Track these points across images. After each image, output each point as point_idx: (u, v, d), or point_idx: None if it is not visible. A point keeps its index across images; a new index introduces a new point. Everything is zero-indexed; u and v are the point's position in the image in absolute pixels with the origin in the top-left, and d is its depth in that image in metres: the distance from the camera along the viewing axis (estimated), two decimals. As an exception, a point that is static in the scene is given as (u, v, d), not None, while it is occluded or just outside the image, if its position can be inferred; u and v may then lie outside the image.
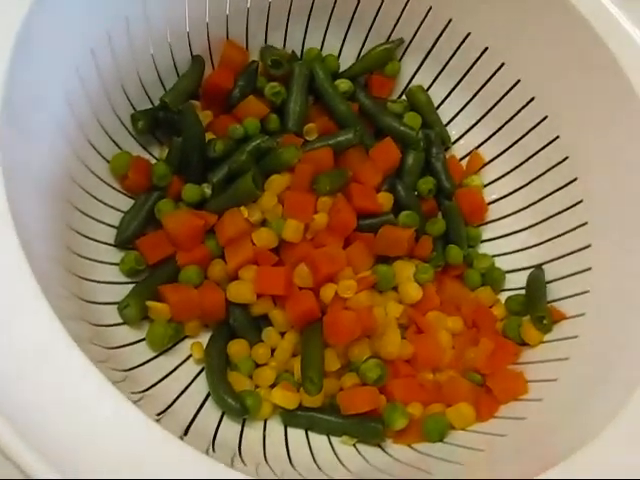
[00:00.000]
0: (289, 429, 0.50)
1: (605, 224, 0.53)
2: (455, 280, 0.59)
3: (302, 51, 0.66)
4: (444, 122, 0.66)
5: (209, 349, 0.51)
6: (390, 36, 0.65)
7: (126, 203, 0.56)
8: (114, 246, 0.54)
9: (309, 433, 0.50)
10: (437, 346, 0.54)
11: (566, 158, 0.57)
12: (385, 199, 0.58)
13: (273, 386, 0.51)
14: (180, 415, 0.46)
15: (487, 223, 0.63)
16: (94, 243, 0.51)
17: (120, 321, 0.50)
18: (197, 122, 0.57)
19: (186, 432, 0.44)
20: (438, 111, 0.66)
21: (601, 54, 0.52)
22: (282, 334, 0.53)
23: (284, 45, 0.66)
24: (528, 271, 0.58)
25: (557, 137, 0.58)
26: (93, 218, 0.52)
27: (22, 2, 0.42)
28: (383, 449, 0.49)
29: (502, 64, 0.61)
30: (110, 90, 0.54)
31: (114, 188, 0.56)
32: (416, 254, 0.58)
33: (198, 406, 0.48)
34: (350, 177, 0.57)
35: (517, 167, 0.62)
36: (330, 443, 0.49)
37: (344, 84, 0.63)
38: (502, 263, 0.61)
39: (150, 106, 0.59)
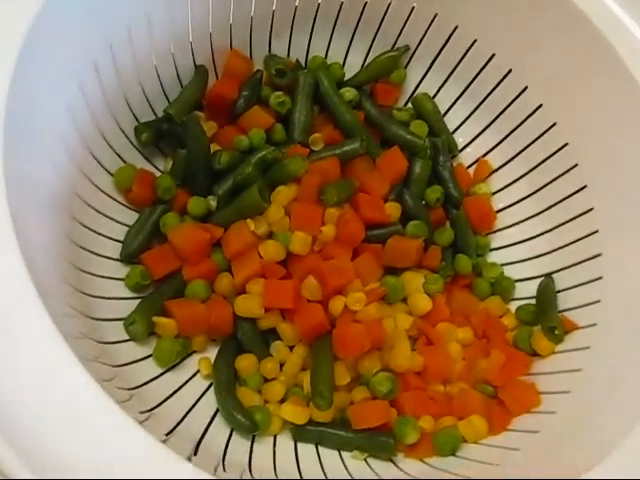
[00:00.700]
0: (299, 444, 0.49)
1: (616, 232, 0.52)
2: (464, 290, 0.59)
3: (306, 60, 0.66)
4: (451, 130, 0.65)
5: (217, 364, 0.51)
6: (395, 43, 0.65)
7: (131, 217, 0.55)
8: (119, 261, 0.53)
9: (319, 448, 0.49)
10: (447, 358, 0.53)
11: (575, 165, 0.56)
12: (393, 209, 0.57)
13: (282, 401, 0.51)
14: (189, 434, 0.45)
15: (496, 231, 0.63)
16: (98, 258, 0.51)
17: (126, 337, 0.49)
18: (201, 134, 0.56)
19: (195, 451, 0.44)
20: (445, 119, 0.65)
21: (610, 61, 0.51)
22: (291, 348, 0.52)
23: (288, 54, 0.65)
24: (538, 280, 0.58)
25: (566, 144, 0.57)
26: (97, 233, 0.52)
27: (24, 17, 0.42)
28: (395, 463, 0.49)
29: (509, 71, 0.60)
30: (113, 103, 0.53)
31: (118, 202, 0.55)
32: (425, 264, 0.57)
33: (207, 423, 0.48)
34: (357, 187, 0.56)
35: (525, 174, 0.61)
36: (341, 458, 0.49)
37: (349, 92, 0.62)
38: (511, 272, 0.60)
39: (153, 118, 0.59)
